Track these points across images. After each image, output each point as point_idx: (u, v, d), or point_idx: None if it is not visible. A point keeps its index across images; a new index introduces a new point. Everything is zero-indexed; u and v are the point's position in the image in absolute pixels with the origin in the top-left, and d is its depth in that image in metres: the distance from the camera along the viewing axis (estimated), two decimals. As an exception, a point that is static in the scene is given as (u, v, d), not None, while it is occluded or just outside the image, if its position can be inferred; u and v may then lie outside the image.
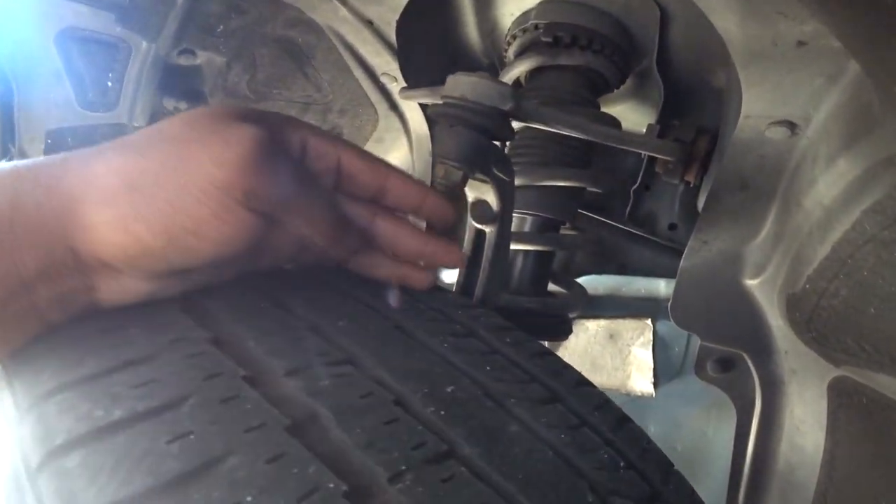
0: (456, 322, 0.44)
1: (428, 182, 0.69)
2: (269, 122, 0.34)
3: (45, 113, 0.80)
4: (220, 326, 0.34)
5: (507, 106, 0.44)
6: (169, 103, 0.88)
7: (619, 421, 0.42)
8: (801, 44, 0.44)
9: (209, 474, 0.24)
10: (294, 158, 0.35)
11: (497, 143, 0.51)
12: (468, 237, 0.58)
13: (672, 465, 0.42)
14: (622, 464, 0.36)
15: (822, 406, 0.65)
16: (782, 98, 0.52)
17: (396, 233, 0.41)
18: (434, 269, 0.45)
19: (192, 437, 0.25)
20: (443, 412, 0.32)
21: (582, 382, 0.44)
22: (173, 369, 0.29)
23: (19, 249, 0.28)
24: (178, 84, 0.86)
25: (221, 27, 0.76)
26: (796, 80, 0.49)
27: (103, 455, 0.24)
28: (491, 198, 0.54)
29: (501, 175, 0.50)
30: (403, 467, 0.27)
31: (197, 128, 0.31)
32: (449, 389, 0.34)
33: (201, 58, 0.84)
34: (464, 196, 0.57)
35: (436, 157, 0.47)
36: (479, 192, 0.55)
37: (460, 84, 0.45)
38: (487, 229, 0.57)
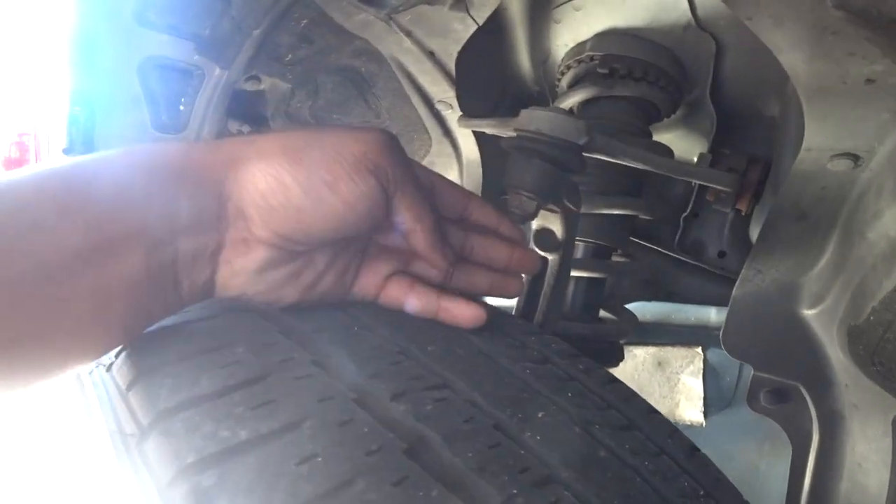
0: (531, 348, 0.45)
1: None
2: (398, 138, 0.40)
3: (121, 135, 0.85)
4: (320, 349, 0.36)
5: (582, 140, 0.46)
6: (233, 126, 0.93)
7: (691, 450, 0.42)
8: (869, 81, 0.45)
9: (341, 497, 0.25)
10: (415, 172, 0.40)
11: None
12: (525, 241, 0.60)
13: (741, 496, 0.43)
14: (701, 492, 0.37)
15: (887, 443, 0.64)
16: (847, 132, 0.53)
17: (491, 244, 0.45)
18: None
19: (318, 459, 0.26)
20: (538, 437, 0.33)
21: (652, 410, 0.45)
22: (286, 390, 0.31)
23: (179, 198, 0.33)
24: (244, 108, 0.91)
25: (290, 56, 0.80)
26: (862, 115, 0.50)
27: (238, 475, 0.26)
28: (557, 226, 0.56)
29: (570, 206, 0.52)
30: (514, 491, 0.28)
31: (337, 128, 0.39)
32: (539, 415, 0.35)
33: (266, 83, 0.88)
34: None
35: (510, 187, 0.49)
36: (544, 220, 0.56)
37: (536, 118, 0.47)
38: (550, 257, 0.58)
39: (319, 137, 0.36)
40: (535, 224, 0.58)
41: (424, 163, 0.97)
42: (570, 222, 0.55)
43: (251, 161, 0.34)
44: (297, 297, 0.39)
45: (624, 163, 0.57)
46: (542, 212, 0.55)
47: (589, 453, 0.34)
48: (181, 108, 0.86)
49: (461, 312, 0.41)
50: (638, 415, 0.42)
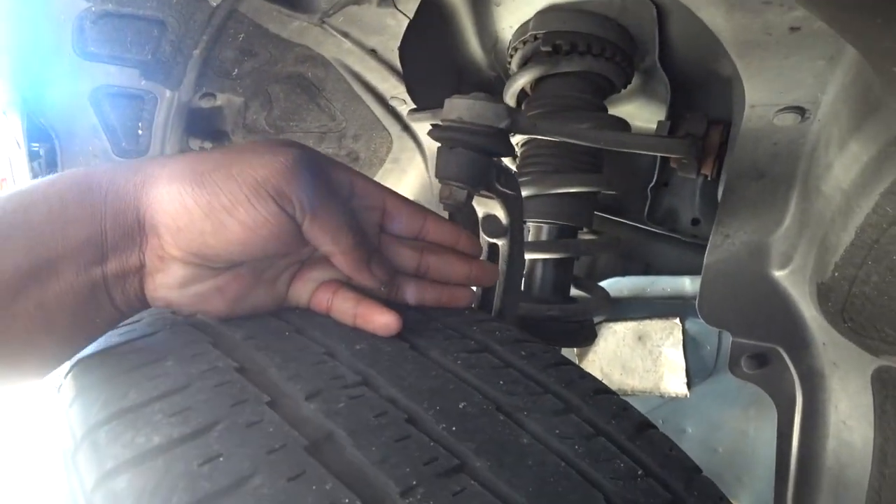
0: (470, 338, 0.45)
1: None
2: (318, 156, 0.39)
3: (84, 164, 0.87)
4: (246, 355, 0.37)
5: (503, 124, 0.46)
6: (195, 143, 0.93)
7: (639, 428, 0.41)
8: (793, 29, 0.43)
9: (237, 493, 0.26)
10: (338, 190, 0.40)
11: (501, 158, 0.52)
12: (482, 252, 0.59)
13: (698, 471, 0.42)
14: (640, 472, 0.36)
15: (868, 399, 0.63)
16: (786, 84, 0.51)
17: (447, 262, 0.45)
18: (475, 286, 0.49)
19: (221, 459, 0.28)
20: (454, 428, 0.33)
21: (600, 391, 0.44)
22: (204, 397, 0.32)
23: (106, 217, 0.35)
24: (202, 125, 0.92)
25: (236, 70, 0.80)
26: (796, 64, 0.48)
27: (146, 477, 0.27)
28: (499, 212, 0.55)
29: (506, 190, 0.51)
30: (415, 482, 0.28)
31: (257, 145, 0.38)
32: (461, 405, 0.35)
33: (221, 99, 0.88)
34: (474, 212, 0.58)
35: (440, 178, 0.49)
36: (487, 207, 0.56)
37: (456, 106, 0.47)
38: (500, 242, 0.58)
39: (228, 160, 0.36)
40: (479, 212, 0.57)
41: (388, 160, 0.96)
42: (511, 206, 0.54)
43: (162, 182, 0.35)
44: (227, 309, 0.40)
45: (563, 140, 0.56)
46: (483, 199, 0.55)
47: (507, 440, 0.33)
48: (140, 132, 0.87)
49: (374, 319, 0.41)
50: (579, 397, 0.41)
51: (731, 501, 0.41)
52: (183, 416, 0.30)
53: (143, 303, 0.38)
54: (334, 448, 0.29)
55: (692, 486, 0.38)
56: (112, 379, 0.34)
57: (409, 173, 1.00)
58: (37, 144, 0.81)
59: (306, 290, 0.43)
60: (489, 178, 0.49)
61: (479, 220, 0.58)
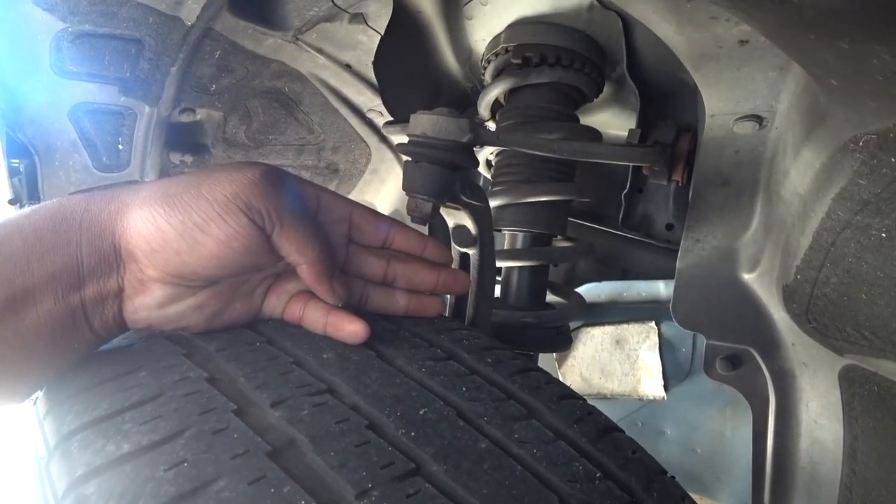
0: (437, 346, 0.46)
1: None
2: (284, 173, 0.41)
3: (66, 179, 0.87)
4: (217, 366, 0.38)
5: (466, 138, 0.47)
6: (175, 157, 0.94)
7: (602, 432, 0.42)
8: (742, 42, 0.45)
9: (200, 496, 0.27)
10: (305, 205, 0.42)
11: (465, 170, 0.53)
12: (454, 262, 0.60)
13: (662, 472, 0.42)
14: (598, 474, 0.37)
15: (836, 397, 0.64)
16: (741, 94, 0.53)
17: (413, 269, 0.46)
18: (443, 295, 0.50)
19: (185, 464, 0.29)
20: (413, 433, 0.34)
21: (565, 396, 0.45)
22: (174, 406, 0.33)
23: (82, 245, 0.36)
24: (183, 139, 0.93)
25: (214, 86, 0.82)
26: (749, 75, 0.50)
27: (114, 483, 0.28)
28: (468, 222, 0.56)
29: (472, 201, 0.52)
30: (370, 485, 0.29)
31: (225, 166, 0.39)
32: (421, 412, 0.36)
33: (200, 114, 0.89)
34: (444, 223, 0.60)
35: (406, 191, 0.50)
36: (457, 218, 0.57)
37: (421, 122, 0.48)
38: (470, 251, 0.59)
39: (197, 181, 0.37)
40: (449, 223, 0.59)
41: (367, 171, 0.98)
42: (479, 216, 0.55)
43: (135, 208, 0.37)
44: (205, 324, 0.41)
45: (528, 152, 0.58)
46: (452, 210, 0.56)
47: (465, 446, 0.34)
48: (120, 147, 0.88)
49: (343, 328, 0.42)
50: (542, 403, 0.42)
51: (699, 500, 0.42)
52: (153, 424, 0.32)
53: (121, 326, 0.39)
54: (296, 453, 0.30)
55: (652, 488, 0.39)
56: (86, 390, 0.35)
57: (388, 183, 1.01)
58: (16, 161, 0.82)
59: (280, 301, 0.44)
60: (454, 191, 0.50)
61: (450, 231, 0.60)
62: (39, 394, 0.39)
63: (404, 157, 0.51)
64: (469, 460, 0.33)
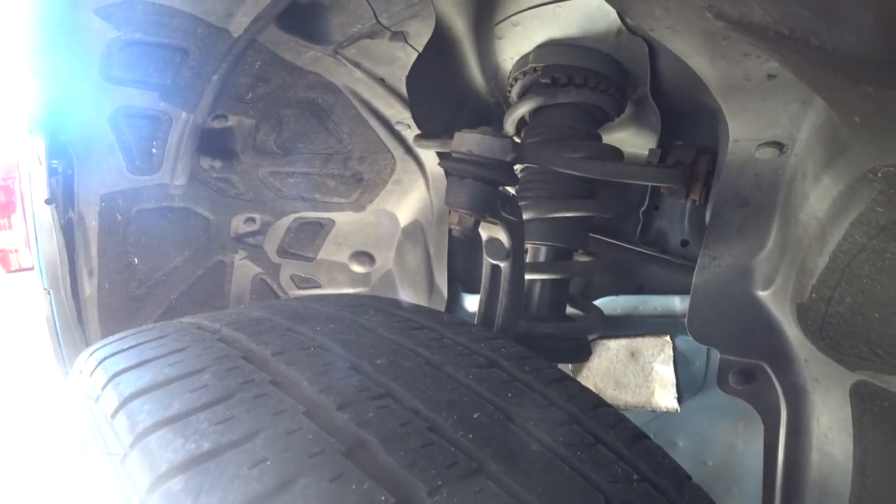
0: (479, 354, 0.48)
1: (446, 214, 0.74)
2: None
3: (99, 180, 0.90)
4: (277, 369, 0.40)
5: (509, 157, 0.50)
6: (205, 162, 0.97)
7: (635, 438, 0.45)
8: (770, 77, 0.48)
9: (286, 493, 0.29)
10: None
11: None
12: (485, 273, 0.63)
13: (689, 478, 0.45)
14: (636, 477, 0.39)
15: (847, 412, 0.66)
16: (765, 123, 0.56)
17: None
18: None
19: (268, 463, 0.31)
20: (471, 436, 0.36)
21: (599, 404, 0.48)
22: (246, 408, 0.36)
23: None
24: (213, 145, 0.95)
25: (250, 94, 0.84)
26: (773, 106, 0.53)
27: (201, 479, 0.30)
28: (502, 236, 0.59)
29: (509, 216, 0.55)
30: (440, 483, 0.31)
31: None
32: (475, 416, 0.39)
33: (232, 121, 0.92)
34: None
35: (449, 205, 0.52)
36: (491, 231, 0.60)
37: (467, 140, 0.51)
38: (502, 264, 0.62)
39: None
40: (483, 236, 0.61)
41: (391, 181, 1.00)
42: (513, 231, 0.58)
43: None
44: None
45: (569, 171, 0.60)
46: (488, 224, 0.59)
47: (519, 447, 0.37)
48: (153, 151, 0.90)
49: None
50: (581, 410, 0.45)
51: (720, 508, 0.44)
52: (227, 424, 0.34)
53: None
54: (367, 453, 0.33)
55: (683, 491, 0.42)
56: (153, 390, 0.38)
57: (411, 195, 1.04)
58: (56, 161, 0.84)
59: None
60: (495, 206, 0.53)
61: (483, 243, 0.62)
62: (102, 392, 0.41)
63: (439, 168, 0.54)
64: (523, 461, 0.36)
